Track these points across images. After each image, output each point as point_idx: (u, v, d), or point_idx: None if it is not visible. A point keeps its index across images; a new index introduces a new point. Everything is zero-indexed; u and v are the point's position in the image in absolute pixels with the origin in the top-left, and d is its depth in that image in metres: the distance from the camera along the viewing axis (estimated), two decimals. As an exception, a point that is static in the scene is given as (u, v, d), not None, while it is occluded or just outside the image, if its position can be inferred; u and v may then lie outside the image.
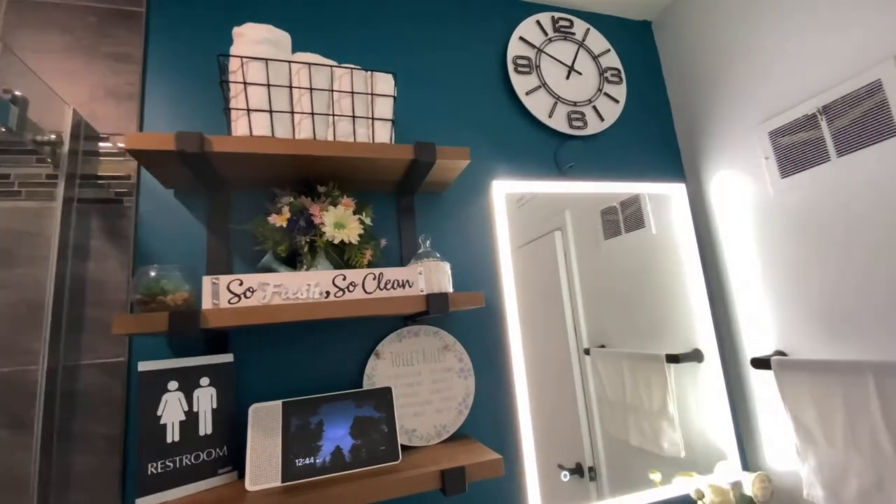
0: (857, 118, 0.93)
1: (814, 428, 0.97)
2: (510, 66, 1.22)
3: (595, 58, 1.32)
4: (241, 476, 0.80)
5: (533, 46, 1.26)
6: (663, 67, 1.43)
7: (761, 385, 1.15)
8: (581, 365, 1.13)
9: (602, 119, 1.28)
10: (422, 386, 0.96)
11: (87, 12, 0.96)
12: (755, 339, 1.16)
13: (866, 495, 0.88)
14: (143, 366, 0.75)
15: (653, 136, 1.36)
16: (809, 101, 1.02)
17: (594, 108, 1.28)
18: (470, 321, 1.06)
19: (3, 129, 0.75)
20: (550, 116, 1.23)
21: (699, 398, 1.19)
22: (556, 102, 1.24)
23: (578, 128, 1.24)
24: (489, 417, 1.02)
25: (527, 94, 1.22)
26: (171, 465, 0.74)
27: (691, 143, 1.34)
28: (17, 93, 0.77)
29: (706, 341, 1.22)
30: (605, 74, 1.32)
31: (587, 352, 1.14)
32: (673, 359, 1.19)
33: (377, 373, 0.94)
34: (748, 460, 1.19)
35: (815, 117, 1.01)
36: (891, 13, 0.88)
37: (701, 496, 1.04)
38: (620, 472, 1.09)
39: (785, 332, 1.09)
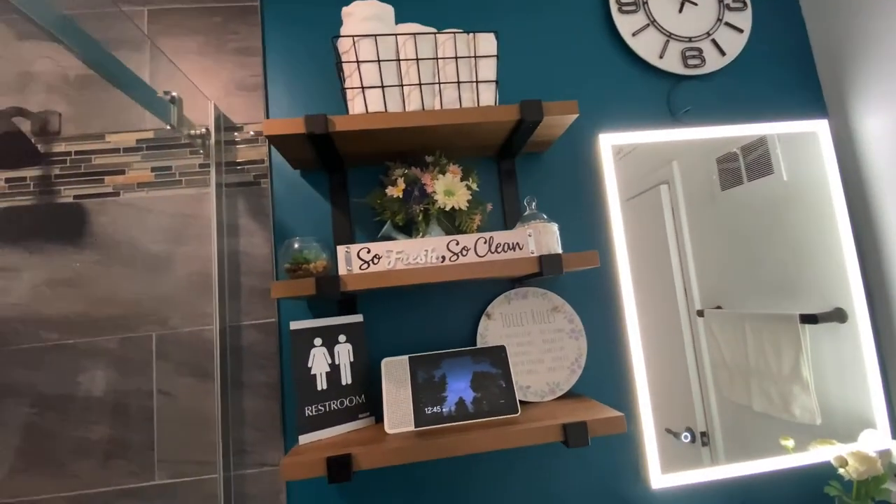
0: None
1: None
2: (613, 7, 1.12)
3: (713, -18, 1.16)
4: (378, 421, 0.91)
5: (638, -20, 1.14)
6: (800, -19, 1.21)
7: (926, 348, 1.00)
8: (693, 327, 1.07)
9: (723, 53, 1.13)
10: (533, 346, 0.99)
11: (212, 13, 1.06)
12: (920, 295, 1.00)
13: None
14: (294, 325, 0.87)
15: (785, 66, 1.18)
16: None
17: (713, 41, 1.13)
18: (577, 282, 1.05)
19: (168, 127, 0.88)
20: (661, 57, 1.11)
21: (840, 362, 1.07)
22: (667, 40, 1.12)
23: (695, 66, 1.11)
24: (603, 378, 1.02)
25: (633, 35, 1.11)
26: (323, 408, 0.86)
27: (836, 70, 1.13)
28: (174, 94, 0.89)
29: (851, 299, 1.08)
30: (726, 0, 1.15)
31: (700, 313, 1.08)
32: (809, 319, 1.07)
33: (489, 332, 0.99)
34: (902, 430, 1.06)
35: None
36: None
37: (843, 464, 0.95)
38: (738, 438, 1.03)
39: (964, 287, 0.92)
